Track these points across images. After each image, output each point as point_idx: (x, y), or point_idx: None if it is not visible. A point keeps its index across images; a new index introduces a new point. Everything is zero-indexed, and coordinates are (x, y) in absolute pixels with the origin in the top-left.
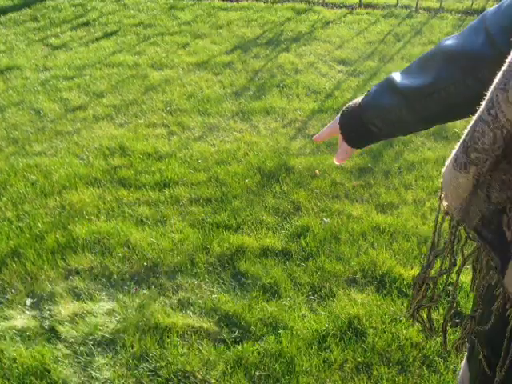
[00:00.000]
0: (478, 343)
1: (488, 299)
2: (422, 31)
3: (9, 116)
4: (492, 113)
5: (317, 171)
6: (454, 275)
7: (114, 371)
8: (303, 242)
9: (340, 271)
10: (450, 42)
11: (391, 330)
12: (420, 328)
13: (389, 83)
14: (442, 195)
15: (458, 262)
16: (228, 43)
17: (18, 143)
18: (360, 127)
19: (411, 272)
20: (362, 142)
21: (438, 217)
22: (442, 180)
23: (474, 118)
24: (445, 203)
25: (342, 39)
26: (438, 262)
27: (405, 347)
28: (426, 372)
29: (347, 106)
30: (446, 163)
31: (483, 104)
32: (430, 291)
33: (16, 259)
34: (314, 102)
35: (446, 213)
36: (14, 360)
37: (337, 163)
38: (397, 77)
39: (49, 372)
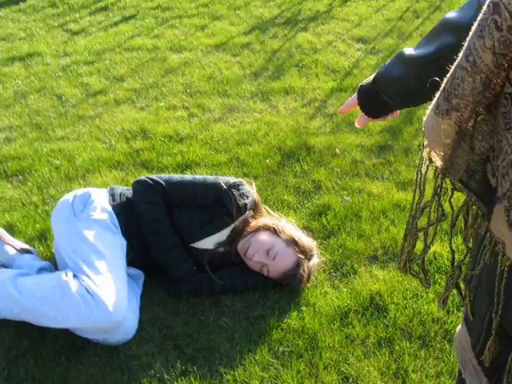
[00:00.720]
0: (467, 289)
1: (477, 248)
2: (440, 7)
3: (31, 102)
4: (470, 59)
5: (337, 150)
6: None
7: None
8: (324, 220)
9: (361, 248)
10: (451, 14)
11: (412, 306)
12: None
13: (399, 55)
14: (426, 142)
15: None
16: (246, 24)
17: (41, 128)
18: (375, 98)
19: (432, 248)
20: (379, 112)
21: (420, 166)
22: (423, 129)
23: (453, 65)
24: (428, 149)
25: (361, 17)
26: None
27: (426, 322)
28: (447, 346)
29: (363, 81)
30: (428, 111)
31: (461, 52)
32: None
33: (43, 241)
34: (333, 80)
35: (430, 160)
36: None
37: (357, 125)
38: (407, 50)
39: None
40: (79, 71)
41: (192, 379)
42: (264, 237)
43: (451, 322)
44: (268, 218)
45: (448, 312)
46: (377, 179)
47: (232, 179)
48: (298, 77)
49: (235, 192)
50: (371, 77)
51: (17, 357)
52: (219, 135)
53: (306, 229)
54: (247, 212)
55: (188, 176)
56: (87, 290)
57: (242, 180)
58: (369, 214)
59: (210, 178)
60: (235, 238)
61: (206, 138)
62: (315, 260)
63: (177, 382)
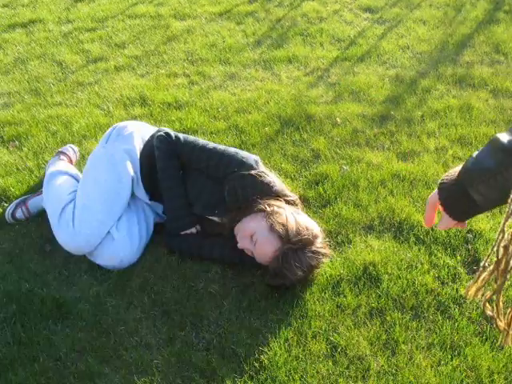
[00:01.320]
0: None
1: None
2: None
3: (31, 68)
4: None
5: (338, 119)
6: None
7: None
8: (321, 189)
9: (357, 218)
10: None
11: (406, 277)
12: (436, 275)
13: (493, 143)
14: None
15: None
16: None
17: (40, 94)
18: (461, 196)
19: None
20: (467, 214)
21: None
22: None
23: None
24: None
25: None
26: None
27: (420, 293)
28: (440, 318)
29: (444, 176)
30: None
31: None
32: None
33: None
34: (338, 50)
35: None
36: None
37: (427, 226)
38: (502, 137)
39: None
40: (81, 38)
41: (178, 345)
42: (250, 222)
43: (445, 293)
44: (273, 200)
45: (442, 283)
46: (377, 149)
47: (250, 158)
48: (302, 45)
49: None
50: (454, 170)
51: (4, 320)
52: (219, 103)
53: (303, 198)
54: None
55: (211, 144)
56: (72, 221)
57: (257, 159)
58: (367, 184)
59: (230, 151)
60: (233, 221)
61: (205, 106)
62: (312, 249)
63: (163, 347)
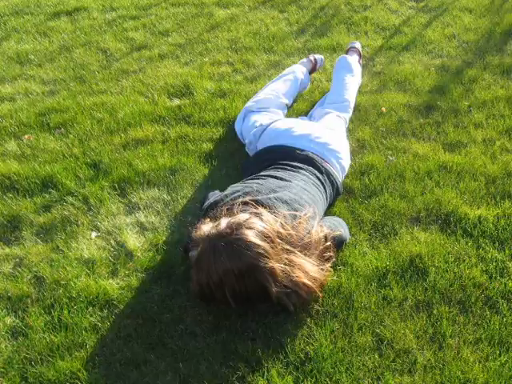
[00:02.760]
0: None
1: None
2: None
3: (76, 56)
4: None
5: (383, 108)
6: None
7: None
8: (367, 179)
9: (403, 209)
10: None
11: (454, 270)
12: (484, 268)
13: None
14: None
15: None
16: None
17: (85, 82)
18: None
19: (477, 212)
20: None
21: None
22: None
23: None
24: None
25: None
26: None
27: (467, 287)
28: (488, 313)
29: None
30: None
31: None
32: None
33: (82, 189)
34: (383, 38)
35: None
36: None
37: None
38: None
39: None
40: (125, 26)
41: (224, 334)
42: None
43: (493, 287)
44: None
45: (490, 277)
46: (423, 140)
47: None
48: (347, 34)
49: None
50: None
51: (51, 306)
52: None
53: (348, 189)
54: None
55: None
56: None
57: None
58: (413, 175)
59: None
60: None
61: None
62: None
63: (208, 336)
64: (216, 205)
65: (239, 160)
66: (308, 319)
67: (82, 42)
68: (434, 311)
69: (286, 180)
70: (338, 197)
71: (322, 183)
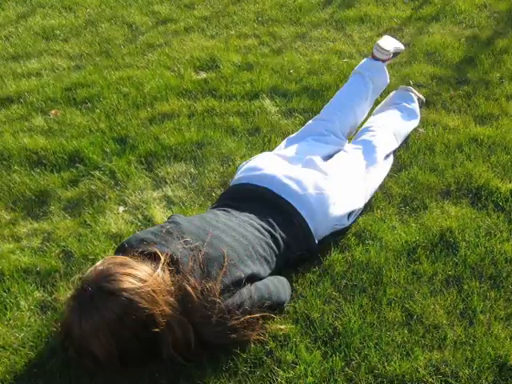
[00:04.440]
0: None
1: None
2: None
3: (102, 31)
4: None
5: (411, 81)
6: None
7: None
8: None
9: (433, 183)
10: None
11: (485, 244)
12: None
13: None
14: None
15: None
16: None
17: (111, 56)
18: None
19: (509, 186)
20: None
21: None
22: None
23: None
24: None
25: None
26: None
27: (498, 262)
28: None
29: None
30: None
31: None
32: None
33: (108, 163)
34: (412, 9)
35: None
36: None
37: None
38: None
39: None
40: None
41: None
42: None
43: None
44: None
45: None
46: (453, 112)
47: None
48: (375, 5)
49: None
50: None
51: None
52: (290, 64)
53: None
54: None
55: None
56: None
57: None
58: (443, 148)
59: None
60: None
61: (276, 67)
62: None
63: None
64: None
65: (266, 134)
66: (336, 294)
67: (107, 16)
68: (465, 286)
69: (225, 224)
70: (309, 252)
71: (273, 234)
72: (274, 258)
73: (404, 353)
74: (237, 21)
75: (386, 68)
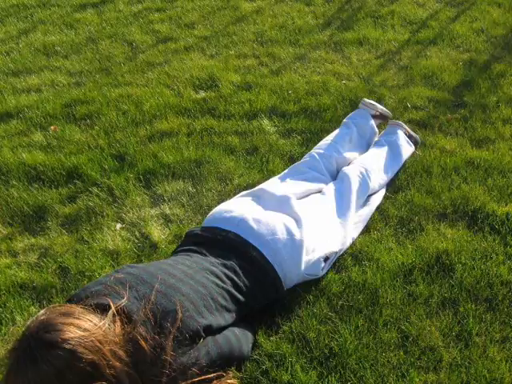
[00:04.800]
0: None
1: None
2: None
3: (102, 48)
4: None
5: (408, 104)
6: None
7: None
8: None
9: (430, 205)
10: None
11: (481, 267)
12: (511, 266)
13: None
14: None
15: None
16: None
17: (111, 74)
18: None
19: (505, 209)
20: None
21: None
22: None
23: None
24: None
25: None
26: None
27: (494, 285)
28: None
29: None
30: None
31: None
32: None
33: (106, 179)
34: (410, 32)
35: None
36: None
37: None
38: None
39: None
40: (150, 18)
41: None
42: None
43: None
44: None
45: None
46: (450, 135)
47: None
48: (373, 28)
49: None
50: None
51: None
52: (289, 85)
53: None
54: None
55: None
56: None
57: None
58: (440, 171)
59: None
60: None
61: (275, 87)
62: None
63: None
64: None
65: (264, 154)
66: (333, 314)
67: (107, 33)
68: (461, 309)
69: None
70: (276, 294)
71: (236, 282)
72: (237, 307)
73: (400, 374)
74: (236, 41)
75: (372, 118)
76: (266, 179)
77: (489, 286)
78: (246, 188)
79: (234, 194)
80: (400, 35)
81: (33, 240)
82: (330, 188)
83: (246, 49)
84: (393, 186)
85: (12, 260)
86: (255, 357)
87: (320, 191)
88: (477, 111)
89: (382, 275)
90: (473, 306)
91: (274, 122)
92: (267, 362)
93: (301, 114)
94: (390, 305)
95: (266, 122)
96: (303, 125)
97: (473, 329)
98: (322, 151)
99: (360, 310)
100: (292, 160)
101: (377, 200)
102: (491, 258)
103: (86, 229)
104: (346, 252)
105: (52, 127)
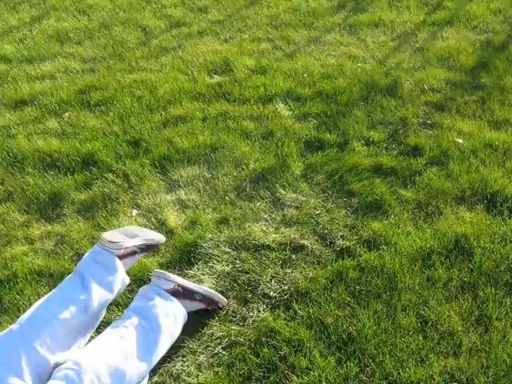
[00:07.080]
0: None
1: None
2: None
3: (116, 34)
4: None
5: (425, 85)
6: None
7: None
8: (411, 158)
9: (448, 188)
10: None
11: (500, 251)
12: None
13: None
14: None
15: None
16: None
17: (125, 60)
18: None
19: None
20: None
21: None
22: None
23: None
24: None
25: None
26: None
27: None
28: None
29: None
30: None
31: None
32: None
33: (122, 165)
34: (426, 14)
35: None
36: None
37: None
38: None
39: None
40: (163, 3)
41: (267, 313)
42: None
43: None
44: None
45: None
46: (468, 117)
47: None
48: (389, 9)
49: None
50: None
51: None
52: (304, 68)
53: (391, 168)
54: None
55: None
56: None
57: None
58: (458, 154)
59: None
60: None
61: (290, 71)
62: None
63: (257, 321)
64: None
65: (279, 138)
66: (351, 299)
67: (120, 19)
68: (480, 293)
69: None
70: None
71: None
72: None
73: (419, 359)
74: (250, 25)
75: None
76: (282, 164)
77: (508, 269)
78: (261, 173)
79: (253, 178)
80: (415, 16)
81: (49, 227)
82: None
83: (260, 32)
84: (410, 171)
85: (29, 247)
86: (273, 342)
87: None
88: (494, 93)
89: (400, 260)
90: (492, 290)
91: (289, 106)
92: (285, 348)
93: (316, 98)
94: (408, 289)
95: (281, 105)
96: (319, 108)
97: (492, 313)
98: None
99: (378, 295)
100: (308, 145)
101: None
102: (511, 241)
103: (102, 215)
104: (362, 237)
105: (67, 114)
